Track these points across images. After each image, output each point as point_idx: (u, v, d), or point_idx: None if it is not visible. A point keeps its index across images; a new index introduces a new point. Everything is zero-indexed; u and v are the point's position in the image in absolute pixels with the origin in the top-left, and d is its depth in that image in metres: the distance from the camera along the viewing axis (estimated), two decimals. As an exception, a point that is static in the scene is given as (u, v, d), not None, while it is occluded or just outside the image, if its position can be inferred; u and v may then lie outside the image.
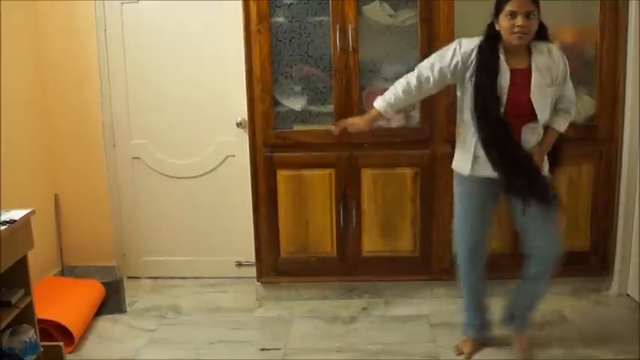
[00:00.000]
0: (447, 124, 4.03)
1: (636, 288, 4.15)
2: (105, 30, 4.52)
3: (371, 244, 4.20)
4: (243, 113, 4.26)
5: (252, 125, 4.12)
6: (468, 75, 3.19)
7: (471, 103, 3.18)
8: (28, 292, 3.25)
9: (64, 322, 3.70)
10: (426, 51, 3.95)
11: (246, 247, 4.48)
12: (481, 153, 3.20)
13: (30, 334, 3.22)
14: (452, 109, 4.00)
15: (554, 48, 3.21)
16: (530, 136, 3.21)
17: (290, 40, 4.09)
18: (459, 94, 3.32)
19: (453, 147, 3.84)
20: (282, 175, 4.16)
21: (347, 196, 4.15)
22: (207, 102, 4.55)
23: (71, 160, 4.64)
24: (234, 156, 4.59)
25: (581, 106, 4.05)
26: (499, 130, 3.13)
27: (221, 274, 4.75)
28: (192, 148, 4.64)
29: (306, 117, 4.17)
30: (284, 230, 4.22)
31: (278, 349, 3.72)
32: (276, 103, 4.13)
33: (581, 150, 4.08)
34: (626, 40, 3.98)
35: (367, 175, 4.13)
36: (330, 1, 3.96)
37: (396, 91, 3.30)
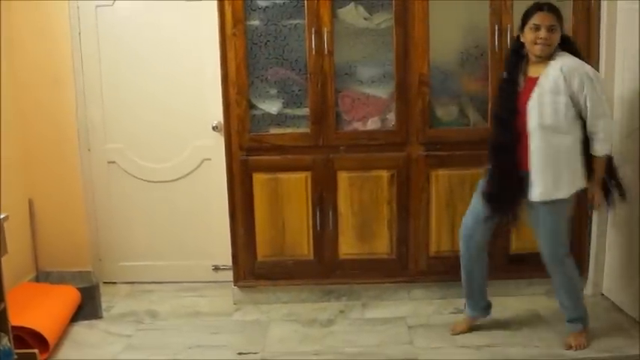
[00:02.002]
0: (423, 126, 4.06)
1: (611, 288, 4.19)
2: (79, 32, 4.48)
3: (348, 246, 4.20)
4: (218, 116, 4.25)
5: (227, 129, 4.11)
6: None
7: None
8: (1, 299, 3.20)
9: (38, 328, 3.65)
10: (402, 53, 3.98)
11: (223, 250, 4.46)
12: None
13: (3, 342, 3.17)
14: (427, 112, 4.04)
15: (573, 60, 3.29)
16: (534, 142, 3.32)
17: (265, 44, 4.09)
18: None
19: (429, 149, 3.92)
20: (258, 178, 4.15)
21: (323, 199, 4.15)
22: (182, 105, 4.53)
23: (46, 164, 4.60)
24: (210, 159, 4.57)
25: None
26: (504, 139, 3.44)
27: (198, 278, 4.73)
28: (168, 151, 4.62)
29: (282, 120, 4.16)
30: (261, 234, 4.21)
31: (256, 352, 3.70)
32: (252, 106, 4.13)
33: (555, 151, 4.12)
34: (598, 43, 4.03)
35: (343, 178, 4.14)
36: (306, 4, 3.96)
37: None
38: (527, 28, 3.29)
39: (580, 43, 3.98)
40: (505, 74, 3.46)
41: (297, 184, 4.14)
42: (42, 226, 4.68)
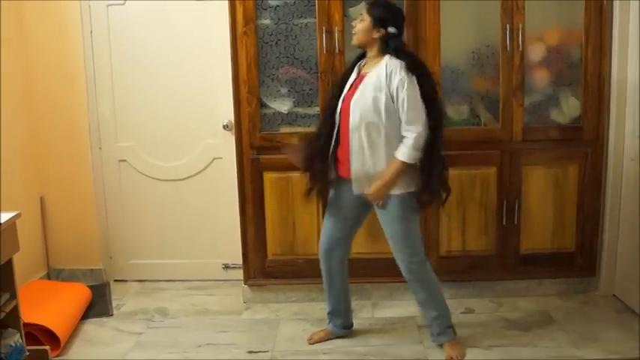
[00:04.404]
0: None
1: (622, 289, 4.17)
2: (91, 32, 4.51)
3: (357, 245, 4.15)
4: (229, 115, 4.26)
5: (238, 127, 4.11)
6: None
7: None
8: (13, 296, 3.22)
9: (49, 325, 3.68)
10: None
11: (233, 249, 4.47)
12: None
13: (15, 338, 3.20)
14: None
15: (398, 62, 3.23)
16: (354, 140, 3.32)
17: (276, 42, 4.09)
18: None
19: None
20: (268, 177, 4.15)
21: (334, 198, 4.15)
22: (193, 104, 4.55)
23: (57, 162, 4.63)
24: (220, 158, 4.58)
25: (566, 107, 4.09)
26: (326, 130, 3.47)
27: (208, 276, 4.74)
28: (178, 150, 4.64)
29: (293, 119, 4.16)
30: (271, 232, 4.22)
31: (265, 351, 3.70)
32: (263, 105, 4.13)
33: (566, 151, 4.11)
34: (611, 42, 4.01)
35: (353, 177, 4.13)
36: (317, 3, 3.96)
37: None
38: None
39: (593, 44, 3.99)
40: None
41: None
42: (53, 224, 4.71)
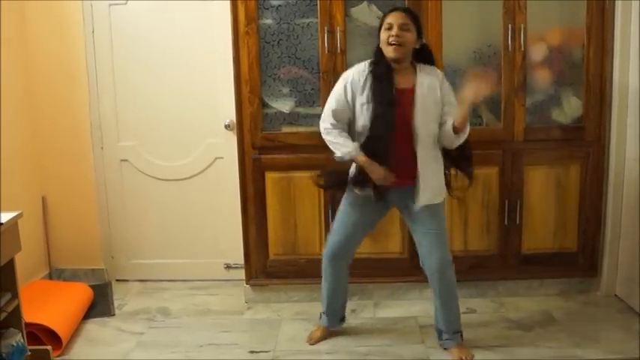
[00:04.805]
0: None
1: (624, 289, 4.17)
2: (93, 31, 4.51)
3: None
4: (231, 115, 4.26)
5: (240, 127, 4.11)
6: (359, 102, 3.31)
7: (366, 124, 3.29)
8: (15, 296, 3.23)
9: (51, 325, 3.67)
10: (414, 53, 3.96)
11: (234, 249, 4.47)
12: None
13: (17, 338, 3.20)
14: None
15: (438, 70, 3.39)
16: (422, 153, 3.30)
17: (278, 42, 4.08)
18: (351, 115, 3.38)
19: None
20: (270, 177, 4.15)
21: (335, 198, 4.13)
22: (195, 104, 4.55)
23: (59, 162, 4.63)
24: (222, 158, 4.59)
25: (568, 107, 4.08)
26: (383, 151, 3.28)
27: (210, 276, 4.74)
28: (180, 150, 4.64)
29: (295, 119, 4.16)
30: (273, 232, 4.22)
31: (267, 351, 3.70)
32: (265, 104, 4.13)
33: (568, 151, 4.11)
34: (613, 42, 4.00)
35: (355, 177, 4.13)
36: (318, 3, 3.96)
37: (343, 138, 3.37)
38: (382, 30, 3.27)
39: (595, 44, 3.99)
40: (376, 89, 3.27)
41: (309, 182, 4.08)
42: (55, 224, 4.71)
